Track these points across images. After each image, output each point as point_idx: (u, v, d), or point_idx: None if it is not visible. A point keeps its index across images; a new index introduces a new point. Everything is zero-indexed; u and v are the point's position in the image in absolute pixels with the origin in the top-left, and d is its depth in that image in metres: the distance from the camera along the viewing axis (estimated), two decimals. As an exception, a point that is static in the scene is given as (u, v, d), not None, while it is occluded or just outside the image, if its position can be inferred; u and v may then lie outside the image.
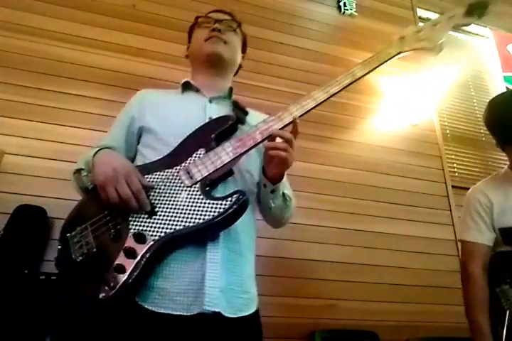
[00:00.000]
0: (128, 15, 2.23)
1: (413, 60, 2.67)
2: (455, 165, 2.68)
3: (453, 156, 2.71)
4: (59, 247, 0.84)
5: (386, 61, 0.98)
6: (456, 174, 2.64)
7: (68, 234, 0.83)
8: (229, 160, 0.84)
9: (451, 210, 2.41)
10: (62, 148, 1.83)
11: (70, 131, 1.88)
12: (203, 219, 0.77)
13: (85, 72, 2.02)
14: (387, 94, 2.59)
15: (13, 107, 1.84)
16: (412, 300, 2.10)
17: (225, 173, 0.85)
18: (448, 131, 2.80)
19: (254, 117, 0.98)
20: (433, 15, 3.04)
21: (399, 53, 0.99)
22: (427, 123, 2.65)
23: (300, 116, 0.89)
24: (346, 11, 2.79)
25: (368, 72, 0.96)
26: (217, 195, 0.82)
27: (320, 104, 0.91)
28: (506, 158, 1.38)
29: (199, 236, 0.80)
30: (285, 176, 0.97)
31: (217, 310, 0.75)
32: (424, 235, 2.29)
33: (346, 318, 1.95)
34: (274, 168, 0.88)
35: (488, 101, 1.40)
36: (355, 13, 2.81)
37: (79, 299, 0.75)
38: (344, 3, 2.80)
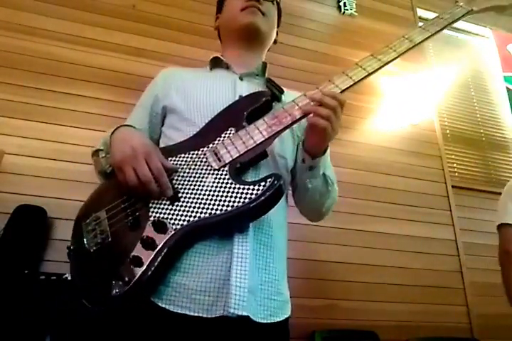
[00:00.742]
0: (128, 15, 2.23)
1: (413, 60, 2.68)
2: (455, 165, 2.68)
3: (453, 156, 2.70)
4: (72, 237, 0.76)
5: (452, 23, 0.86)
6: (456, 174, 2.64)
7: (82, 222, 0.74)
8: (262, 139, 0.73)
9: (451, 210, 2.41)
10: (62, 148, 1.83)
11: (70, 131, 1.88)
12: (232, 206, 0.67)
13: (85, 72, 2.02)
14: (387, 94, 2.59)
15: (13, 107, 1.84)
16: (412, 300, 2.10)
17: (257, 155, 0.74)
18: (448, 131, 2.79)
19: (290, 97, 0.83)
20: (433, 15, 3.04)
21: (469, 12, 0.87)
22: (427, 123, 2.65)
23: (346, 89, 0.77)
24: (346, 11, 2.79)
25: (429, 37, 0.85)
26: (249, 180, 0.72)
27: (371, 74, 0.78)
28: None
29: (226, 227, 0.70)
30: (328, 158, 0.87)
31: (244, 313, 0.63)
32: (424, 235, 2.29)
33: (346, 318, 1.94)
34: (312, 139, 0.76)
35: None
36: (355, 13, 2.81)
37: (88, 297, 0.67)
38: (344, 3, 2.80)
